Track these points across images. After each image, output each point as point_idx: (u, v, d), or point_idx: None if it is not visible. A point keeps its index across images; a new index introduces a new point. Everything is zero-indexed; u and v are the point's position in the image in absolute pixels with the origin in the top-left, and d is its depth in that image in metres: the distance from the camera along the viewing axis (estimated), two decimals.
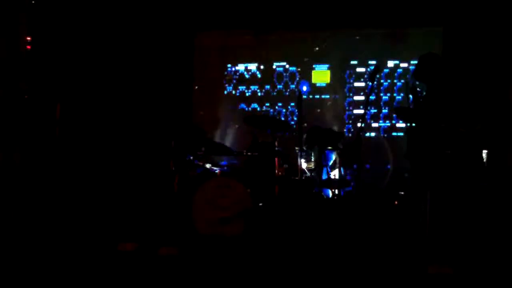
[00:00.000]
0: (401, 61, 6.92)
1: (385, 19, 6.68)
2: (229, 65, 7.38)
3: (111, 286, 3.81)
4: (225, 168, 5.78)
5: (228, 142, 6.90)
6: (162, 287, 3.82)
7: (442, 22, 6.53)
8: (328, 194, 5.65)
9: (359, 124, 6.63)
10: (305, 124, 5.77)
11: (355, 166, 5.70)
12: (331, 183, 5.64)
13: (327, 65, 7.13)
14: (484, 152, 4.94)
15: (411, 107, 4.62)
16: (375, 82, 4.66)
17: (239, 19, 6.99)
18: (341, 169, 5.76)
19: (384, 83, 6.96)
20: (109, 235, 5.13)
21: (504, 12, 6.10)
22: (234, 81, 7.36)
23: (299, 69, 7.25)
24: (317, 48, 7.10)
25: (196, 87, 7.31)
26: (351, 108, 7.12)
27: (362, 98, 7.02)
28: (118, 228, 5.36)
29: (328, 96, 7.16)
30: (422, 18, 6.55)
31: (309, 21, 6.86)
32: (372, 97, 6.69)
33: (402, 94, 6.82)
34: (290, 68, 7.27)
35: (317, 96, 7.19)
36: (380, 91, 6.98)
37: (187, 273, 4.15)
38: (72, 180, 6.42)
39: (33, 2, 6.35)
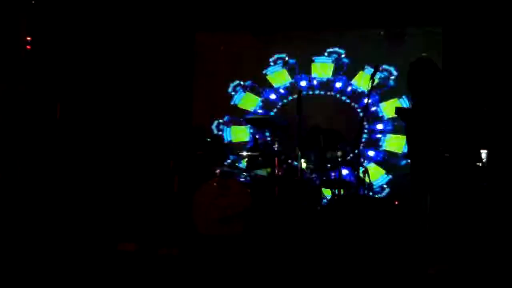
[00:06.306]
0: (400, 62, 6.88)
1: (384, 19, 6.68)
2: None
3: (111, 286, 3.81)
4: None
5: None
6: (162, 287, 3.83)
7: (441, 22, 6.52)
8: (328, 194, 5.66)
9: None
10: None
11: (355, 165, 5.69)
12: (331, 183, 5.64)
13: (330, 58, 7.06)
14: (484, 152, 4.93)
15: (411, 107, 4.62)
16: (375, 83, 4.65)
17: (239, 19, 6.99)
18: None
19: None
20: (109, 235, 5.14)
21: (504, 12, 6.10)
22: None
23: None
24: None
25: (197, 88, 7.30)
26: None
27: None
28: (118, 228, 5.37)
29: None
30: (421, 18, 6.54)
31: (309, 21, 6.85)
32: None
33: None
34: (290, 61, 7.18)
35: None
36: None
37: (187, 273, 4.16)
38: (73, 180, 6.42)
39: (33, 2, 6.35)
